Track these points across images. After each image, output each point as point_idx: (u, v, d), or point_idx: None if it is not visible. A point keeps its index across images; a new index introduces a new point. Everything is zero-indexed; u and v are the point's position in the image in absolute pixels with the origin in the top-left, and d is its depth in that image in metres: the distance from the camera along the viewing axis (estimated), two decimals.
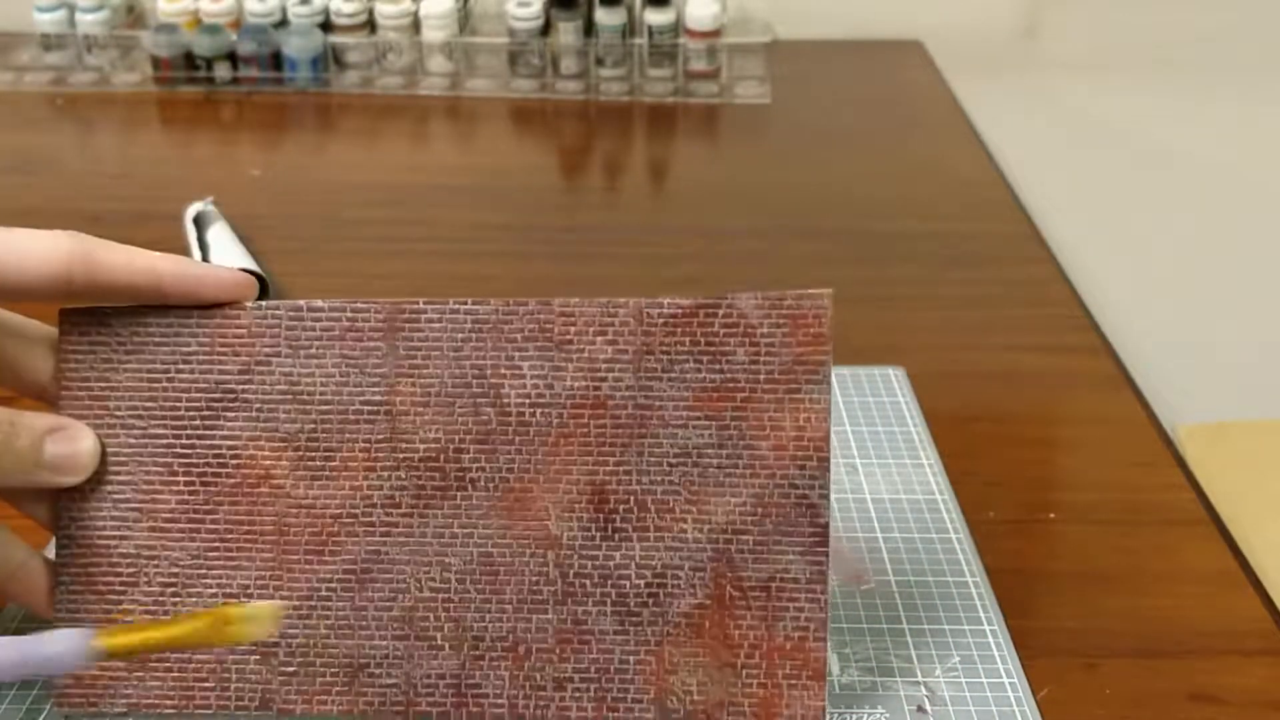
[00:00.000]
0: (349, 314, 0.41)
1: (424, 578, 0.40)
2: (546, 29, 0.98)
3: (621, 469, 0.40)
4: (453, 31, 0.98)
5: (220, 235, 0.71)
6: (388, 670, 0.41)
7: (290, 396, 0.41)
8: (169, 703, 0.41)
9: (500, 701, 0.40)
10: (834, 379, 0.43)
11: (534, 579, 0.40)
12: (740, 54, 1.02)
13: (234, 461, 0.41)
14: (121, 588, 0.41)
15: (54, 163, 0.88)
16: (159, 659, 0.41)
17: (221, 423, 0.41)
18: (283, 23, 0.98)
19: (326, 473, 0.41)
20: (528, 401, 0.40)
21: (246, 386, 0.41)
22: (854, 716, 0.42)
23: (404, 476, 0.41)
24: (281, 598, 0.41)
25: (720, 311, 0.40)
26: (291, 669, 0.41)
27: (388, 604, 0.41)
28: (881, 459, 0.54)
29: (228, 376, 0.41)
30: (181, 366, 0.41)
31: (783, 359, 0.39)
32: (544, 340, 0.40)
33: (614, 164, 0.91)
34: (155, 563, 0.41)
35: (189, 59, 0.97)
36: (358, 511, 0.41)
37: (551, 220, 0.80)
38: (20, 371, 0.42)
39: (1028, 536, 0.51)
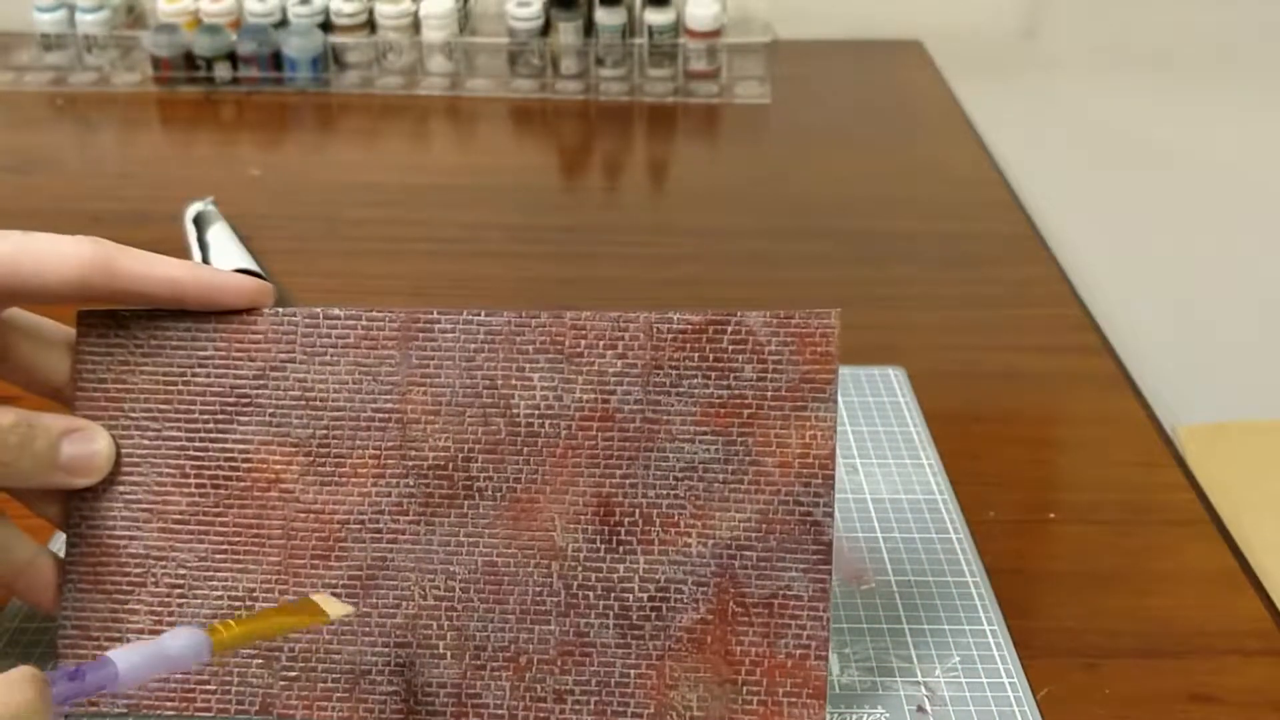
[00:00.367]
0: (364, 322, 0.41)
1: (428, 585, 0.41)
2: (546, 29, 0.98)
3: (628, 482, 0.40)
4: (453, 31, 0.98)
5: (220, 235, 0.71)
6: (389, 677, 0.41)
7: (303, 402, 0.41)
8: (170, 704, 0.41)
9: (500, 712, 0.40)
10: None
11: (537, 590, 0.40)
12: (740, 54, 1.01)
13: (245, 465, 0.41)
14: (129, 588, 0.41)
15: (54, 163, 0.88)
16: None
17: (235, 426, 0.41)
18: (283, 23, 0.98)
19: (336, 478, 0.41)
20: (537, 413, 0.40)
21: (260, 391, 0.41)
22: (854, 716, 0.42)
23: (412, 484, 0.41)
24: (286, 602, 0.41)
25: (729, 328, 0.40)
26: (293, 673, 0.41)
27: (391, 611, 0.41)
28: (881, 459, 0.54)
29: (242, 381, 0.41)
30: (197, 370, 0.41)
31: (790, 376, 0.40)
32: (555, 352, 0.40)
33: (614, 164, 0.91)
34: (163, 564, 0.41)
35: (189, 59, 0.97)
36: (365, 518, 0.41)
37: (551, 220, 0.80)
38: (37, 372, 0.42)
39: (1028, 536, 0.51)
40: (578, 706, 0.40)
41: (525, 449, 0.40)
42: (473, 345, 0.41)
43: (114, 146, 0.94)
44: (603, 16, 0.97)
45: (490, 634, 0.40)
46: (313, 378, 0.41)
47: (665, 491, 0.40)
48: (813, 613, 0.40)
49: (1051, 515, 0.52)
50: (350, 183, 0.84)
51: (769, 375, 0.40)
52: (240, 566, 0.41)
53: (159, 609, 0.41)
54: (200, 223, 0.73)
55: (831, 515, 0.40)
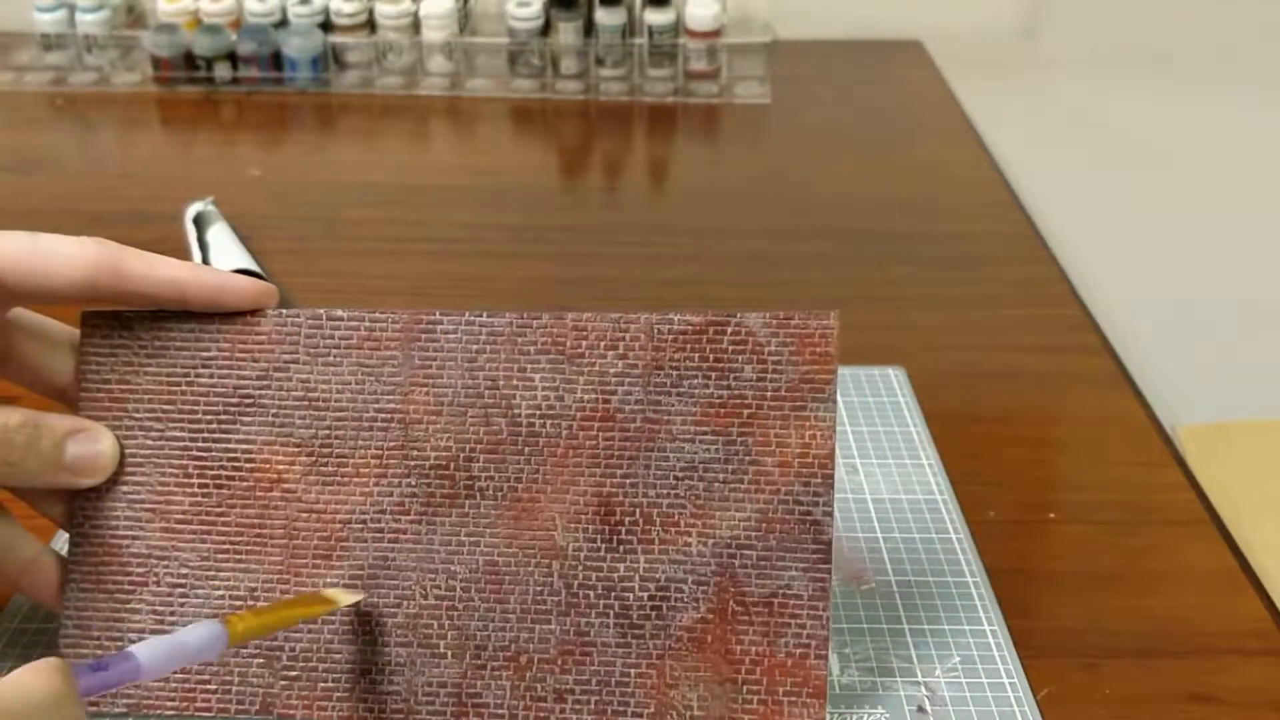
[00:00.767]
0: (367, 323, 0.41)
1: (429, 585, 0.41)
2: (546, 29, 0.98)
3: (628, 481, 0.40)
4: (453, 31, 0.98)
5: (220, 235, 0.71)
6: (389, 677, 0.41)
7: (306, 403, 0.41)
8: (170, 704, 0.41)
9: (500, 712, 0.40)
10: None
11: (538, 589, 0.40)
12: (740, 54, 1.01)
13: (248, 465, 0.41)
14: (131, 587, 0.41)
15: (54, 163, 0.88)
16: None
17: (238, 427, 0.41)
18: (283, 23, 0.98)
19: (338, 478, 0.41)
20: (538, 413, 0.40)
21: (264, 392, 0.41)
22: (854, 716, 0.42)
23: (414, 484, 0.41)
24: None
25: (729, 329, 0.40)
26: (294, 673, 0.41)
27: (392, 610, 0.41)
28: (881, 459, 0.54)
29: (246, 382, 0.41)
30: (201, 371, 0.41)
31: (790, 377, 0.40)
32: (556, 353, 0.40)
33: (614, 164, 0.91)
34: (165, 563, 0.41)
35: (189, 59, 0.97)
36: (367, 517, 0.41)
37: (551, 220, 0.80)
38: (41, 372, 0.42)
39: (1028, 536, 0.51)
40: (578, 706, 0.40)
41: (526, 449, 0.41)
42: (474, 346, 0.41)
43: (114, 146, 0.94)
44: (603, 16, 0.97)
45: (491, 633, 0.40)
46: (315, 378, 0.41)
47: (665, 491, 0.40)
48: (812, 612, 0.40)
49: (1051, 515, 0.52)
50: (350, 183, 0.84)
51: (769, 375, 0.40)
52: (242, 566, 0.41)
53: (161, 608, 0.41)
54: (200, 223, 0.73)
55: (831, 515, 0.40)
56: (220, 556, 0.41)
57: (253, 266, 0.68)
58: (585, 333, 0.41)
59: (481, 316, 0.41)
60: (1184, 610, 0.47)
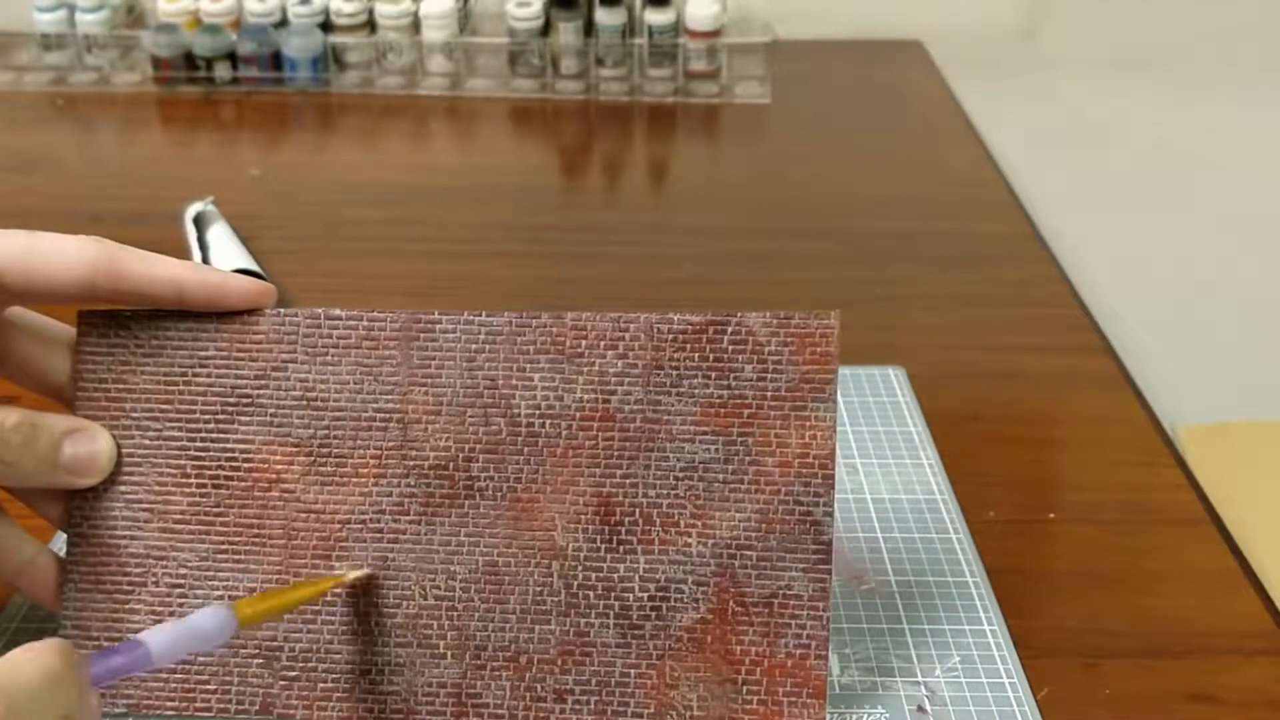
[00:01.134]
0: (366, 322, 0.41)
1: (429, 585, 0.41)
2: (546, 29, 0.98)
3: (628, 481, 0.40)
4: (453, 31, 0.98)
5: (220, 235, 0.71)
6: (389, 677, 0.41)
7: (304, 402, 0.41)
8: (170, 704, 0.41)
9: (500, 712, 0.40)
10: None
11: (538, 589, 0.40)
12: (740, 54, 1.02)
13: (246, 465, 0.41)
14: (129, 587, 0.41)
15: (54, 163, 0.88)
16: None
17: (236, 426, 0.41)
18: (283, 23, 0.98)
19: (337, 478, 0.41)
20: (538, 413, 0.40)
21: (262, 391, 0.41)
22: (854, 716, 0.42)
23: (413, 484, 0.41)
24: None
25: (729, 329, 0.40)
26: (294, 673, 0.41)
27: (392, 610, 0.41)
28: (881, 459, 0.54)
29: (244, 381, 0.41)
30: (199, 370, 0.41)
31: (790, 377, 0.40)
32: (555, 353, 0.40)
33: (614, 164, 0.91)
34: (164, 563, 0.41)
35: (189, 59, 0.97)
36: (366, 517, 0.41)
37: (551, 220, 0.80)
38: (38, 371, 0.42)
39: (1028, 536, 0.51)
40: (578, 706, 0.40)
41: (526, 449, 0.40)
42: (474, 345, 0.41)
43: (114, 146, 0.94)
44: (603, 16, 0.97)
45: (491, 634, 0.40)
46: (314, 378, 0.41)
47: (665, 491, 0.40)
48: (813, 612, 0.40)
49: (1051, 515, 0.52)
50: (350, 183, 0.84)
51: (769, 375, 0.40)
52: (241, 566, 0.41)
53: (159, 609, 0.41)
54: (200, 223, 0.73)
55: (831, 515, 0.40)
56: (219, 556, 0.41)
57: (252, 266, 0.68)
58: (585, 332, 0.40)
59: (481, 316, 0.41)
60: (1184, 610, 0.47)
